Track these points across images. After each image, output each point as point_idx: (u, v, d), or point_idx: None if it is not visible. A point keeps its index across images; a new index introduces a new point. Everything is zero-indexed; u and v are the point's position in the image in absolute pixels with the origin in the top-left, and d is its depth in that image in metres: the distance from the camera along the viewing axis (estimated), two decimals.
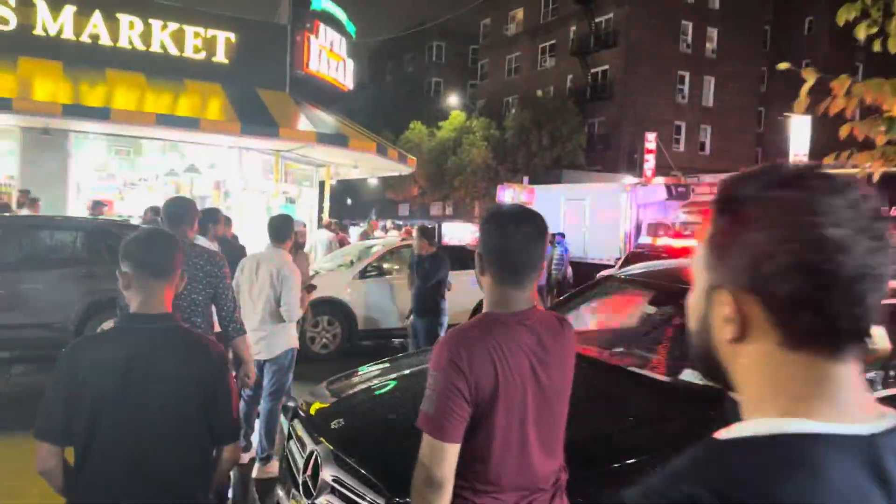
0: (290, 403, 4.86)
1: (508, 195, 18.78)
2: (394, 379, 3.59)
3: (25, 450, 2.11)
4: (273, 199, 16.15)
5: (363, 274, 9.62)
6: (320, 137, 13.81)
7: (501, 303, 1.90)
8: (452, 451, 1.73)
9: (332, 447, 2.85)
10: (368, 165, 17.50)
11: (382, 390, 3.47)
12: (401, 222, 33.29)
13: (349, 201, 47.35)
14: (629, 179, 24.10)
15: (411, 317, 6.95)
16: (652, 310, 4.51)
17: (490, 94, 48.71)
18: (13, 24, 12.96)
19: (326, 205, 18.01)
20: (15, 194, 13.35)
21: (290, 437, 3.45)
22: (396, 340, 10.44)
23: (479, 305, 9.99)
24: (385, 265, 9.94)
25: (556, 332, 1.94)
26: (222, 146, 14.85)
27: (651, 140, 31.50)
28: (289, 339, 4.97)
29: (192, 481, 2.11)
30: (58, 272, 7.73)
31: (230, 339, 3.89)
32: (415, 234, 6.91)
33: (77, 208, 13.91)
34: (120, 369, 2.00)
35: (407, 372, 3.66)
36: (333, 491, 2.70)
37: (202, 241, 4.90)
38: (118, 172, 15.85)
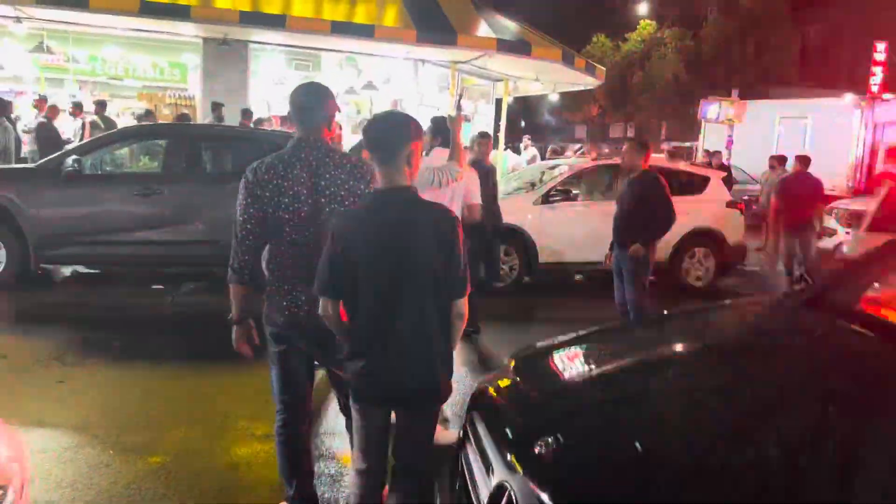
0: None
1: (713, 111, 16.34)
2: (627, 370, 2.34)
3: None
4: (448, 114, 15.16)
5: (546, 199, 8.35)
6: (500, 45, 12.43)
7: None
8: None
9: (537, 488, 1.72)
10: (551, 78, 15.86)
11: (610, 390, 2.24)
12: (578, 145, 31.24)
13: (522, 123, 45.56)
14: (850, 97, 20.24)
15: (612, 251, 5.59)
16: None
17: (684, 1, 43.80)
18: None
19: (503, 123, 16.72)
20: (200, 107, 13.47)
21: (465, 436, 2.37)
22: (578, 276, 9.20)
23: (692, 234, 8.38)
24: (572, 189, 8.57)
25: None
26: (398, 58, 13.96)
27: (881, 51, 26.42)
28: None
29: (439, 331, 2.33)
30: (228, 187, 7.21)
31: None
32: (626, 147, 5.44)
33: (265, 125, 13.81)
34: (375, 235, 2.29)
35: (644, 359, 2.40)
36: None
37: None
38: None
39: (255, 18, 11.60)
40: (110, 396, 4.39)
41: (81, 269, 7.87)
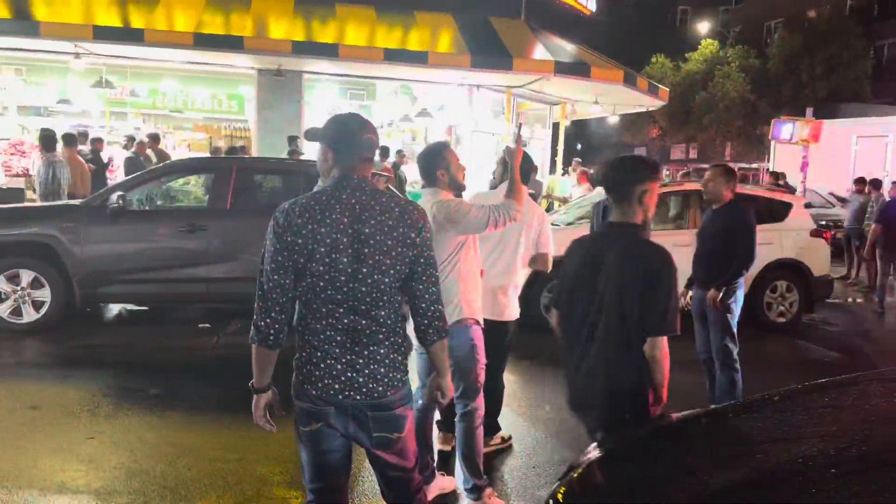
0: None
1: (786, 131, 15.41)
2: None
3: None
4: (503, 142, 14.75)
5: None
6: (559, 67, 11.98)
7: None
8: None
9: None
10: (611, 100, 15.28)
11: None
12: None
13: (579, 146, 44.77)
14: None
15: (690, 289, 4.97)
16: None
17: (747, 19, 42.53)
18: None
19: (561, 147, 16.18)
20: (255, 138, 13.40)
21: None
22: None
23: (774, 266, 7.68)
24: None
25: None
26: (451, 84, 13.66)
27: None
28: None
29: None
30: (260, 220, 6.90)
31: (430, 343, 2.36)
32: (710, 174, 4.80)
33: (313, 155, 13.62)
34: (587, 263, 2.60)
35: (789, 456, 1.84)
36: None
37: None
38: None
39: (308, 48, 11.49)
40: (140, 456, 4.03)
41: (128, 306, 7.68)
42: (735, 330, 4.72)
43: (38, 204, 8.05)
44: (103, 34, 10.56)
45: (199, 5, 11.96)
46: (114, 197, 6.39)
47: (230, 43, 11.10)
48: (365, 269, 2.16)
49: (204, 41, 10.96)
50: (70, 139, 9.13)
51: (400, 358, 2.28)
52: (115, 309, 7.68)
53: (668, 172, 25.38)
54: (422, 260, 2.25)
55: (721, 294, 4.62)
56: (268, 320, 2.23)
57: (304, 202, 2.20)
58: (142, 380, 5.33)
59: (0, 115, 12.83)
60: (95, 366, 5.65)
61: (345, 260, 2.15)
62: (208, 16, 11.72)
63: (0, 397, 4.87)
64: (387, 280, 2.20)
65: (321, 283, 2.17)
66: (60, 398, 4.89)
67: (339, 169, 2.25)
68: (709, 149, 38.76)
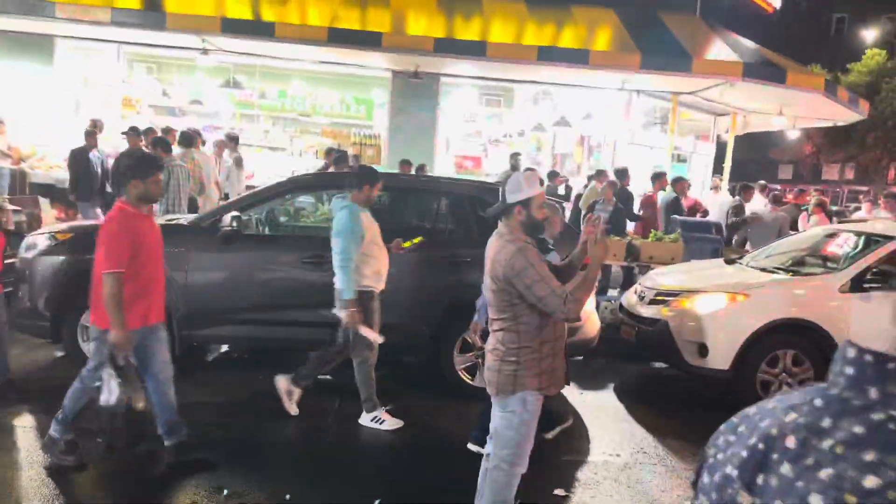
0: None
1: None
2: None
3: None
4: (663, 156, 12.78)
5: (858, 284, 5.74)
6: (747, 70, 9.92)
7: None
8: None
9: None
10: (799, 111, 12.91)
11: None
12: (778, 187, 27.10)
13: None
14: None
15: None
16: None
17: None
18: None
19: (727, 164, 13.97)
20: (385, 146, 12.17)
21: None
22: None
23: None
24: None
25: None
26: (610, 88, 11.85)
27: None
28: None
29: None
30: (422, 255, 5.39)
31: None
32: None
33: (445, 166, 12.31)
34: None
35: None
36: None
37: None
38: (485, 127, 14.00)
39: (452, 46, 10.06)
40: None
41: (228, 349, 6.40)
42: None
43: None
44: (232, 27, 9.60)
45: (334, 0, 10.86)
46: (227, 218, 5.14)
47: (367, 39, 9.86)
48: None
49: (338, 37, 9.79)
50: (188, 139, 8.12)
51: None
52: (223, 351, 6.44)
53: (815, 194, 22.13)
54: None
55: None
56: None
57: None
58: (229, 478, 3.94)
59: (137, 113, 12.28)
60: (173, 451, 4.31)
61: None
62: (344, 11, 10.57)
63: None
64: None
65: None
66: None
67: None
68: (870, 170, 34.60)
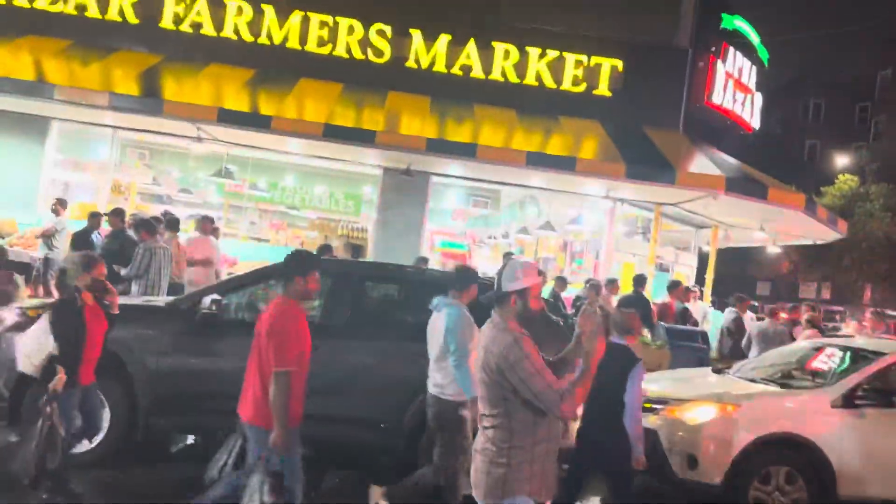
0: None
1: None
2: None
3: None
4: (645, 265, 12.87)
5: (849, 400, 5.61)
6: (730, 184, 10.17)
7: None
8: None
9: None
10: (778, 228, 13.19)
11: None
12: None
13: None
14: None
15: None
16: None
17: (889, 155, 39.67)
18: (387, 56, 11.95)
19: (710, 276, 14.08)
20: (371, 240, 12.19)
21: None
22: None
23: None
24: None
25: None
26: (595, 196, 12.09)
27: None
28: None
29: None
30: (382, 343, 5.23)
31: None
32: None
33: (431, 262, 12.28)
34: None
35: None
36: None
37: None
38: (471, 227, 14.18)
39: (443, 146, 10.28)
40: None
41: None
42: None
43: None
44: (228, 118, 9.76)
45: (331, 97, 11.16)
46: (207, 300, 4.98)
47: (360, 136, 10.06)
48: None
49: (333, 132, 9.97)
50: (173, 224, 8.07)
51: None
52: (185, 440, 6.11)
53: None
54: None
55: None
56: None
57: None
58: None
59: (125, 199, 12.26)
60: None
61: None
62: (340, 108, 10.85)
63: None
64: None
65: None
66: None
67: None
68: (846, 290, 35.24)
